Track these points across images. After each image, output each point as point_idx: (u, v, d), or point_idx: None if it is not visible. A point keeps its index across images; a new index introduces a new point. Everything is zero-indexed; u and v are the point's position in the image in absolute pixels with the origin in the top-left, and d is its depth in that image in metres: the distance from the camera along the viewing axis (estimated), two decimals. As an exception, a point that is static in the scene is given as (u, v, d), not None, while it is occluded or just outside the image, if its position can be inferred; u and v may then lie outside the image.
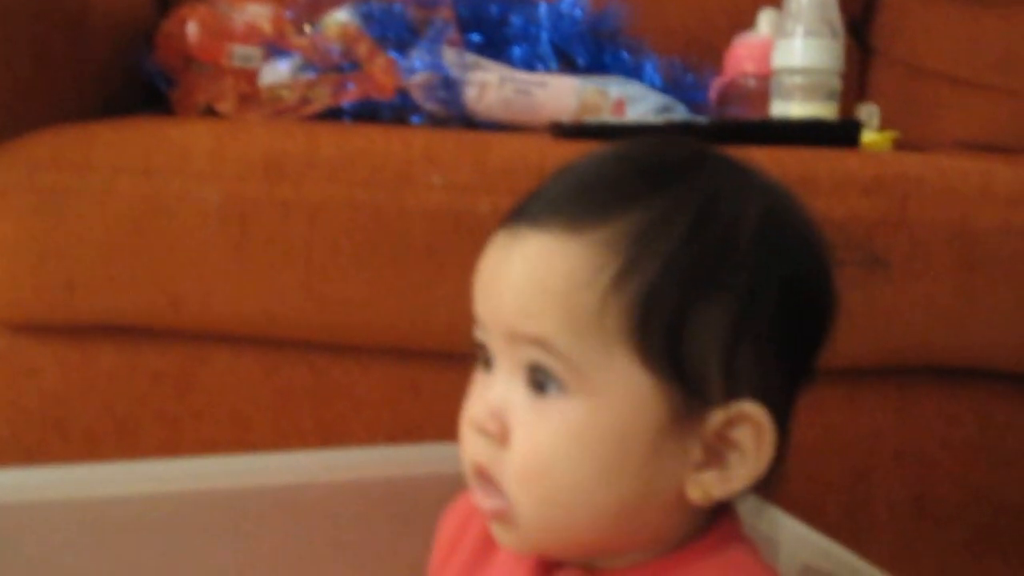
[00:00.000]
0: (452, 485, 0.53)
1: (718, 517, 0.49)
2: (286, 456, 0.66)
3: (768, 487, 0.48)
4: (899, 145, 1.14)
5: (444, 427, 0.51)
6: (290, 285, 0.82)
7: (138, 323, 0.85)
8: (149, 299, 0.83)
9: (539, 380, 0.45)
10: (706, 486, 0.46)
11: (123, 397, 0.86)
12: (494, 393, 0.47)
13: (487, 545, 0.53)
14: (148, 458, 0.63)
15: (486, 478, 0.47)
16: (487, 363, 0.49)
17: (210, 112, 1.03)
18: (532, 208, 0.47)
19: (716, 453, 0.46)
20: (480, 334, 0.49)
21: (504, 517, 0.47)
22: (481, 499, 0.48)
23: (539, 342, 0.45)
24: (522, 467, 0.46)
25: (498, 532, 0.49)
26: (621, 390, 0.44)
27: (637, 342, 0.44)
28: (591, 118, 1.08)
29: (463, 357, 0.51)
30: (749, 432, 0.45)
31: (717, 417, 0.45)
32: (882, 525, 0.89)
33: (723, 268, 0.45)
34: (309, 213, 0.81)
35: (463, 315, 0.49)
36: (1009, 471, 0.88)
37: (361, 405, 0.86)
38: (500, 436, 0.46)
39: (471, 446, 0.48)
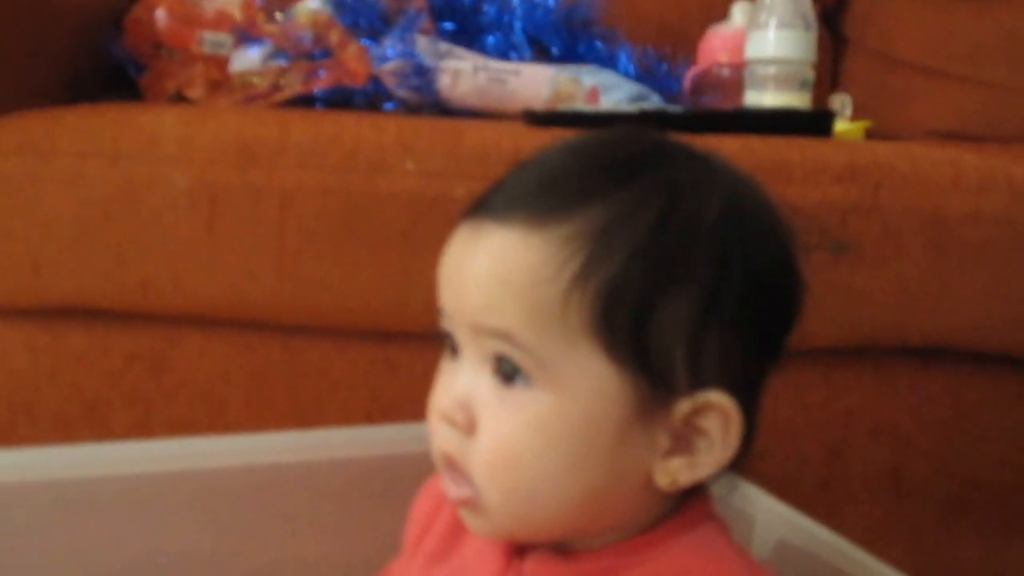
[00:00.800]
0: (428, 465, 0.53)
1: (689, 497, 0.49)
2: (260, 437, 0.65)
3: (736, 469, 0.48)
4: (871, 134, 1.15)
5: (420, 407, 0.51)
6: (262, 268, 0.81)
7: (107, 306, 0.83)
8: (118, 282, 0.81)
9: (505, 371, 0.45)
10: (673, 473, 0.46)
11: (93, 379, 0.85)
12: (461, 383, 0.47)
13: (460, 525, 0.53)
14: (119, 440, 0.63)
15: (454, 467, 0.47)
16: (454, 350, 0.48)
17: (180, 98, 1.02)
18: (495, 202, 0.47)
19: (683, 440, 0.46)
20: (445, 324, 0.49)
21: (472, 505, 0.47)
22: (449, 487, 0.48)
23: (503, 335, 0.45)
24: (489, 458, 0.46)
25: (467, 518, 0.49)
26: (586, 383, 0.44)
27: (601, 336, 0.44)
28: (565, 106, 1.08)
29: (438, 337, 0.50)
30: (716, 420, 0.45)
31: (684, 406, 0.45)
32: (857, 500, 0.90)
33: (687, 261, 0.45)
34: (281, 198, 0.80)
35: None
36: (980, 446, 0.90)
37: (337, 386, 0.85)
38: (467, 427, 0.46)
39: (439, 435, 0.48)
